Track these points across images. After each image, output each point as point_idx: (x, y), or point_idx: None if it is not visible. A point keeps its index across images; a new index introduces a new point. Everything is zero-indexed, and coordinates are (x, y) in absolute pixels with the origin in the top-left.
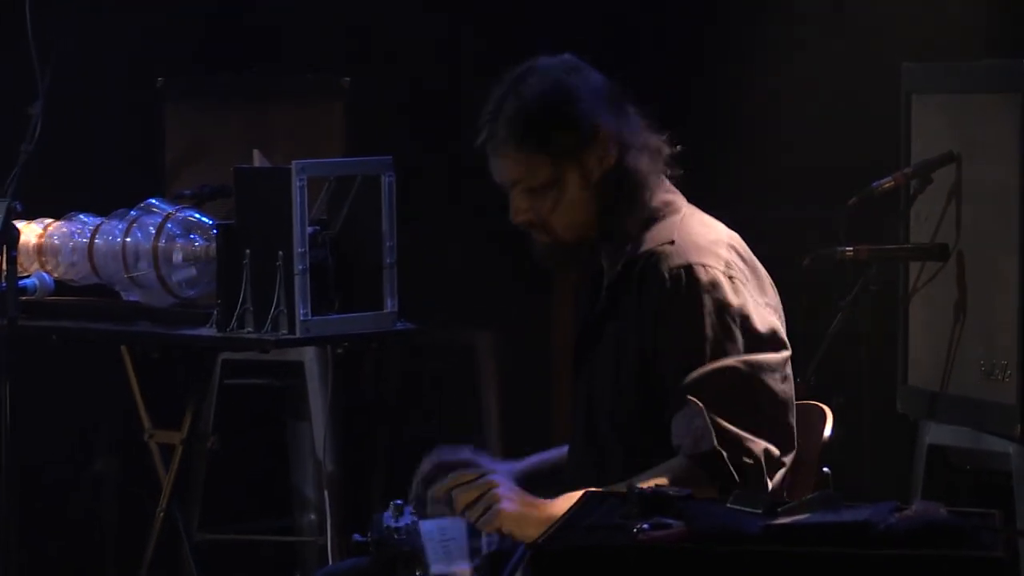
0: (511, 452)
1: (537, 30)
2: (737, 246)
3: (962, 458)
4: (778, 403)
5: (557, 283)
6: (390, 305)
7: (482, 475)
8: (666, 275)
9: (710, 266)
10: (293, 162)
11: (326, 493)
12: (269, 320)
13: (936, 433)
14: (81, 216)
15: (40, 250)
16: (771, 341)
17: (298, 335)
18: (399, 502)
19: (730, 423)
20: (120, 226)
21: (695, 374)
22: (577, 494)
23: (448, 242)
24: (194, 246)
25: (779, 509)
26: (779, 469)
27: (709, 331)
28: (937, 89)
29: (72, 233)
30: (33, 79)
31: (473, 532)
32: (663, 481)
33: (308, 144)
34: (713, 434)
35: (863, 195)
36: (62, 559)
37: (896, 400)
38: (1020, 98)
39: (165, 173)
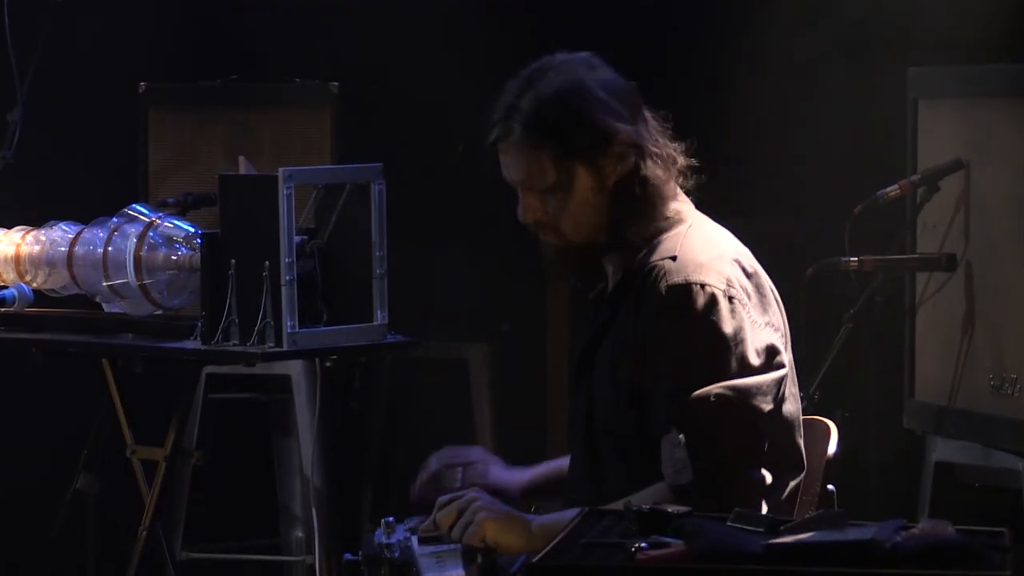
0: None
1: (529, 37)
2: (742, 260)
3: (970, 475)
4: (776, 425)
5: (551, 295)
6: (380, 317)
7: (461, 496)
8: (663, 292)
9: (709, 285)
10: (280, 169)
11: (314, 510)
12: (255, 332)
13: (944, 449)
14: (61, 225)
15: (19, 260)
16: (765, 363)
17: (285, 348)
18: (390, 519)
19: (713, 453)
20: (101, 234)
21: (681, 401)
22: (569, 512)
23: (440, 252)
24: (177, 255)
25: (782, 527)
26: (771, 494)
27: (699, 356)
28: (945, 94)
29: (51, 242)
30: (12, 85)
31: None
32: None
33: (295, 151)
34: (690, 467)
35: (868, 204)
36: None
37: (903, 415)
38: None
39: (148, 181)
